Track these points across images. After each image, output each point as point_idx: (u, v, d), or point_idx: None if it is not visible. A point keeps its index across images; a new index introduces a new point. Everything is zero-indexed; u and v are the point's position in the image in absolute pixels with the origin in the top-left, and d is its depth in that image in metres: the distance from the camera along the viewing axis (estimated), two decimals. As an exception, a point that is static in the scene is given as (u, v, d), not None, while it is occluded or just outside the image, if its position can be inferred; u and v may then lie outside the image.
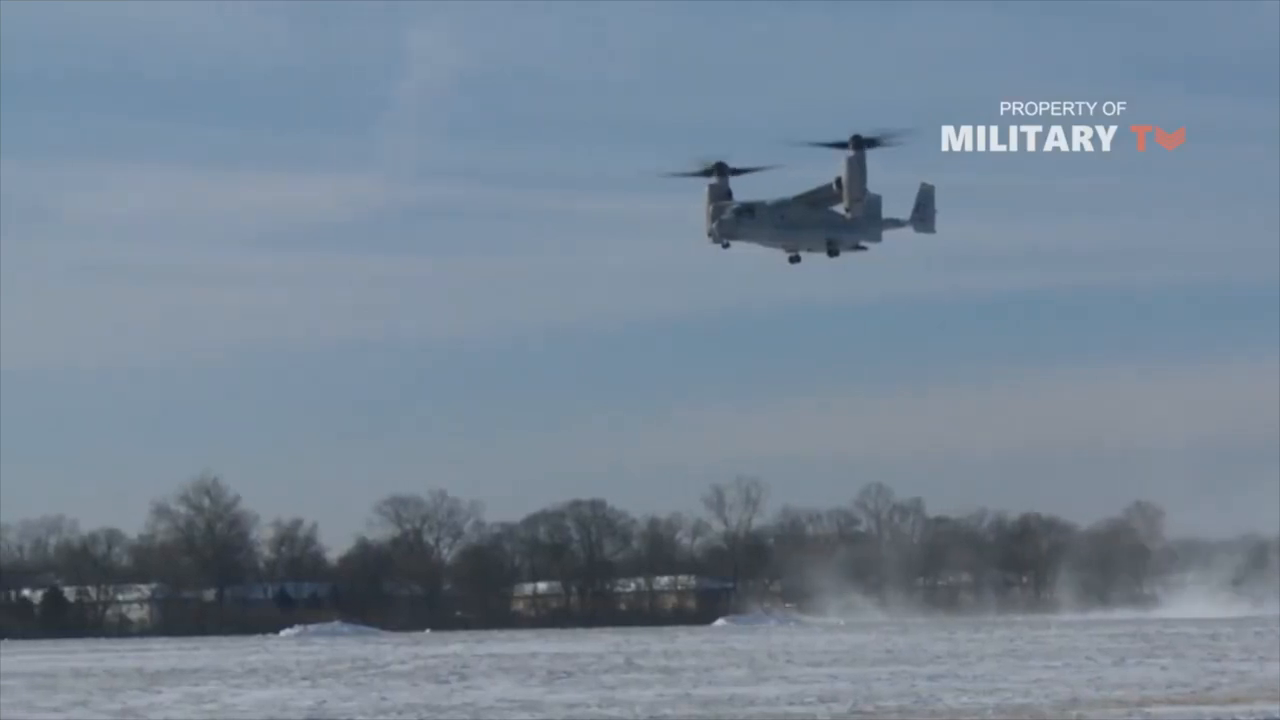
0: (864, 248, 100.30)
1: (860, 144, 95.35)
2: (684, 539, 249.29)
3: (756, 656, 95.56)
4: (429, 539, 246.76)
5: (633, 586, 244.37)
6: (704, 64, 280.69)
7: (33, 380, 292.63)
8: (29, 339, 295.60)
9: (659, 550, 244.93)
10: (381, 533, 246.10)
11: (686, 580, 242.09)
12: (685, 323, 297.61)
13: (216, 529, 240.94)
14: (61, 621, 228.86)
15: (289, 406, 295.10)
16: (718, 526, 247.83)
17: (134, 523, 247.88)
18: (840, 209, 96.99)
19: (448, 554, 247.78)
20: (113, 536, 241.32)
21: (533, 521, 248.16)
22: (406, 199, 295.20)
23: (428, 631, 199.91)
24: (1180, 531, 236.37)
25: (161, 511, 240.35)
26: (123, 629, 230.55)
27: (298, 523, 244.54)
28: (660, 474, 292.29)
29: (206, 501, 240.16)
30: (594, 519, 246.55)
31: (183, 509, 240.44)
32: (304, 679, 79.81)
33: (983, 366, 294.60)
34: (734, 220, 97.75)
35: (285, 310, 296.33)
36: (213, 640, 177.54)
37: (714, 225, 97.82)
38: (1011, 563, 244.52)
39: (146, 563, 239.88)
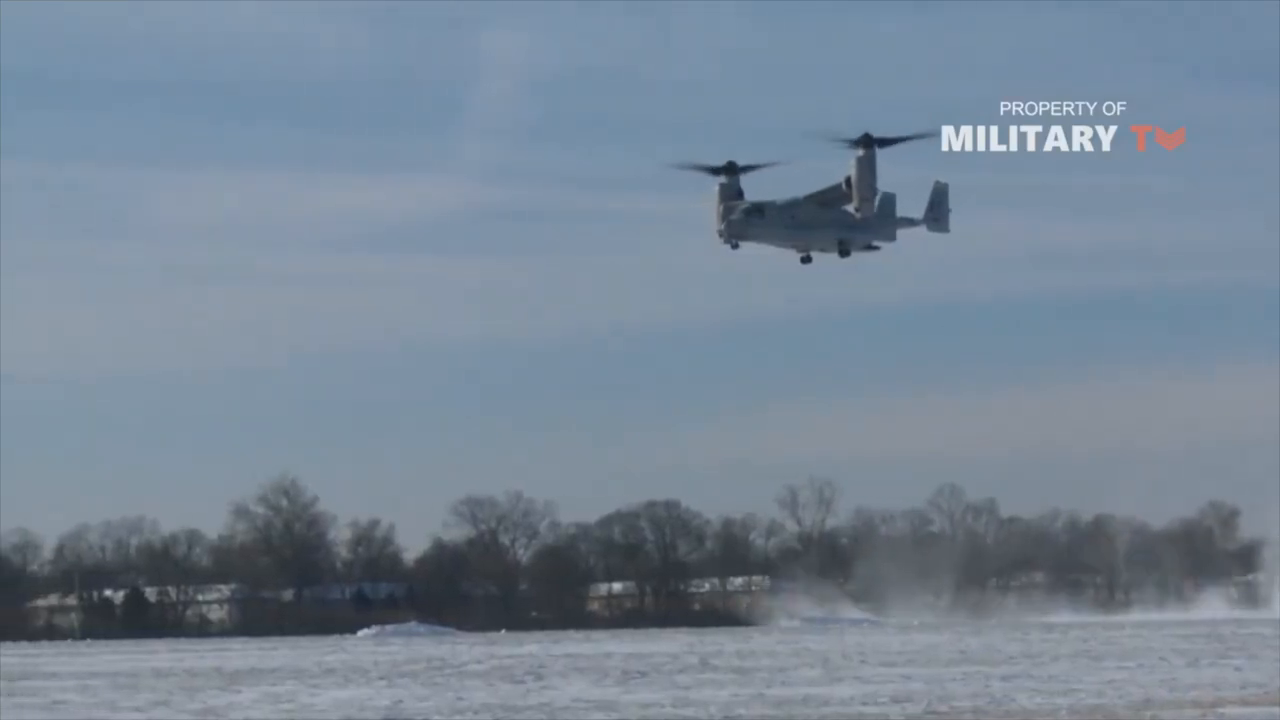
0: (876, 247, 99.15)
1: (871, 143, 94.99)
2: (758, 539, 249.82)
3: (830, 657, 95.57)
4: (504, 539, 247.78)
5: (707, 587, 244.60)
6: (775, 65, 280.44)
7: (115, 383, 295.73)
8: (112, 343, 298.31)
9: (733, 550, 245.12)
10: (457, 533, 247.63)
11: (760, 580, 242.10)
12: (759, 323, 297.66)
13: (295, 529, 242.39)
14: (143, 621, 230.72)
15: (367, 407, 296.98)
16: (791, 527, 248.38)
17: (214, 523, 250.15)
18: (851, 208, 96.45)
19: (523, 554, 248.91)
20: (193, 537, 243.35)
21: (607, 522, 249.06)
22: (481, 201, 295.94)
23: (503, 632, 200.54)
24: (1255, 531, 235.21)
25: (240, 512, 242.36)
26: (202, 629, 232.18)
27: (375, 523, 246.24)
28: (734, 474, 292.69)
29: (285, 502, 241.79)
30: (668, 519, 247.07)
31: (261, 509, 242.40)
32: (381, 679, 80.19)
33: (1055, 366, 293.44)
34: (743, 220, 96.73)
35: (363, 312, 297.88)
36: (291, 640, 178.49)
37: (723, 225, 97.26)
38: (1084, 563, 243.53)
39: (226, 563, 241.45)
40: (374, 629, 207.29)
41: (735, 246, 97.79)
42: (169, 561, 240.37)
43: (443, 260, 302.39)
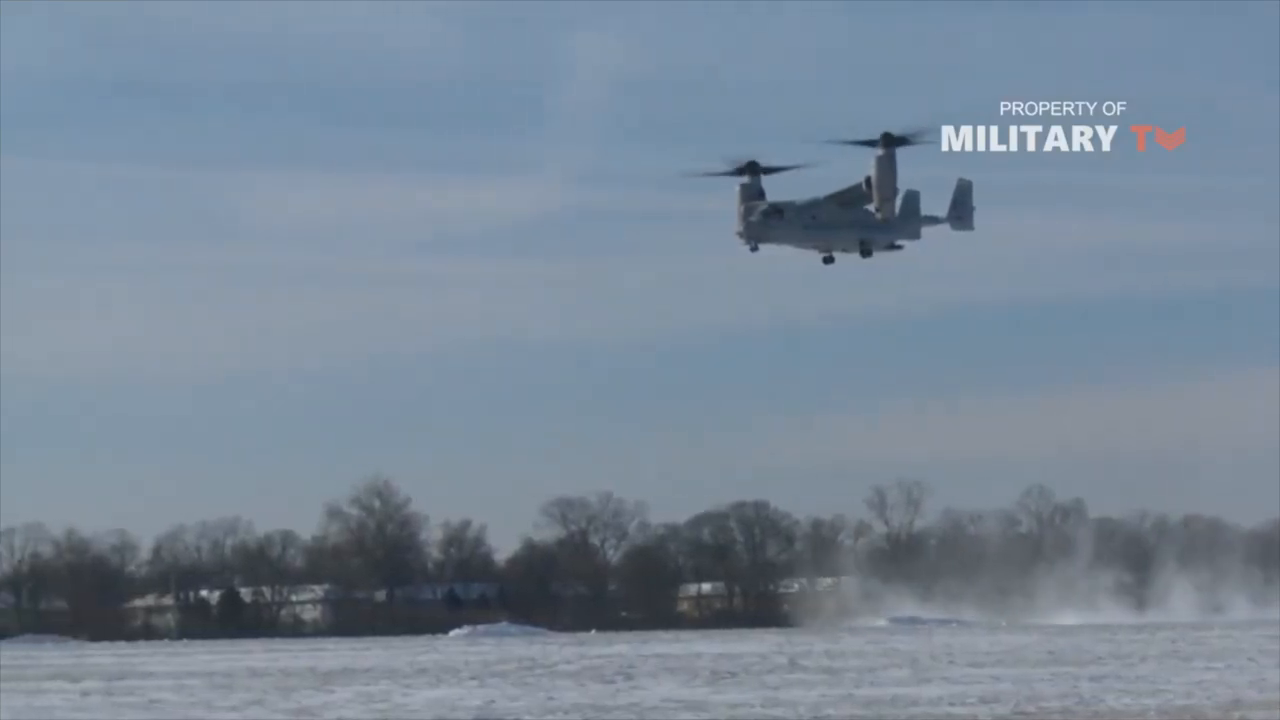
0: (899, 247, 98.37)
1: (890, 142, 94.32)
2: (846, 540, 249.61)
3: (919, 657, 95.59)
4: (595, 540, 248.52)
5: (796, 587, 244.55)
6: (866, 65, 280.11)
7: (211, 386, 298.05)
8: (208, 345, 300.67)
9: (822, 551, 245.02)
10: (548, 534, 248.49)
11: (849, 581, 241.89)
12: (850, 324, 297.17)
13: (387, 530, 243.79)
14: (238, 621, 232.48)
15: (458, 409, 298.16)
16: (880, 528, 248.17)
17: (308, 524, 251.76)
18: (871, 208, 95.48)
19: (613, 555, 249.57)
20: (287, 538, 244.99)
21: (697, 523, 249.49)
22: (571, 202, 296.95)
23: (593, 632, 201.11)
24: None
25: (334, 513, 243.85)
26: (296, 629, 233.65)
27: (466, 524, 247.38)
28: (823, 475, 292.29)
29: (377, 503, 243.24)
30: (757, 520, 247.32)
31: (355, 511, 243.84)
32: (472, 679, 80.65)
33: (1145, 365, 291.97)
34: (762, 222, 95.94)
35: (456, 313, 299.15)
36: (383, 640, 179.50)
37: (742, 227, 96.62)
38: (1174, 563, 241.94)
39: (319, 564, 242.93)
40: (465, 629, 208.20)
41: (755, 249, 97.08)
42: (264, 562, 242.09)
43: (536, 261, 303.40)
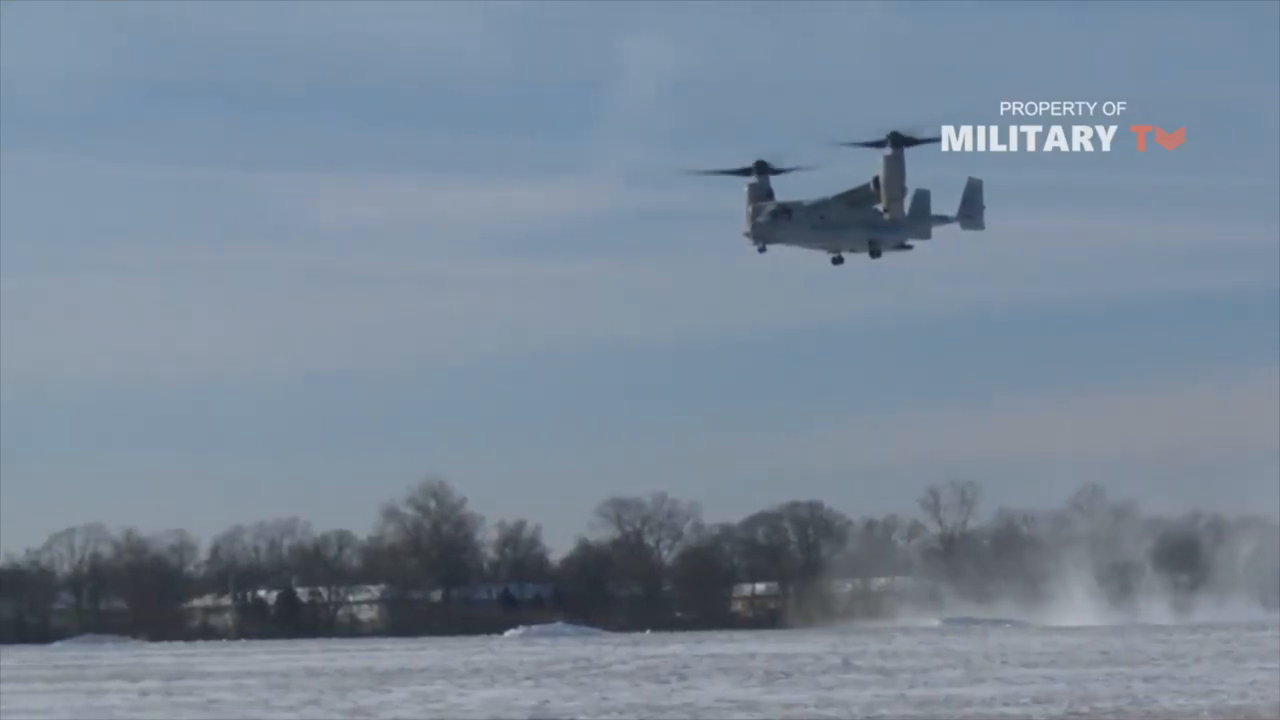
0: (909, 247, 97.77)
1: (899, 142, 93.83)
2: (900, 540, 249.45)
3: (972, 657, 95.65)
4: (649, 540, 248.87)
5: (849, 587, 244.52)
6: (920, 64, 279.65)
7: (268, 386, 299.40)
8: (263, 347, 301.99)
9: (875, 551, 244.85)
10: (603, 534, 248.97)
11: (903, 581, 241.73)
12: (902, 323, 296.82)
13: (443, 530, 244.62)
14: (295, 621, 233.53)
15: (513, 410, 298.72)
16: (933, 528, 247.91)
17: (364, 524, 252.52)
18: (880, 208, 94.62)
19: (667, 555, 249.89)
20: (344, 538, 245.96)
21: (751, 523, 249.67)
22: (623, 204, 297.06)
23: (647, 632, 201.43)
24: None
25: (390, 514, 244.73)
26: (353, 629, 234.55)
27: (521, 524, 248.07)
28: (876, 476, 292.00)
29: (433, 504, 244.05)
30: (811, 520, 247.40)
31: (410, 511, 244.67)
32: (527, 679, 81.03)
33: (1197, 365, 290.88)
34: (769, 223, 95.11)
35: (509, 314, 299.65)
36: (439, 640, 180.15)
37: (749, 228, 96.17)
38: (1227, 564, 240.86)
39: (375, 564, 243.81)
40: (520, 629, 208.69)
41: (762, 250, 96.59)
42: (320, 562, 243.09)
43: (589, 261, 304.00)
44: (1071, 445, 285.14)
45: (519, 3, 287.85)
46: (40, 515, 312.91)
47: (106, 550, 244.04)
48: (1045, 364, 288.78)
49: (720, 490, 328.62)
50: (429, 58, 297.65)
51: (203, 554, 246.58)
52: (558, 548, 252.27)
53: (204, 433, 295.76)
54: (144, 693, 76.83)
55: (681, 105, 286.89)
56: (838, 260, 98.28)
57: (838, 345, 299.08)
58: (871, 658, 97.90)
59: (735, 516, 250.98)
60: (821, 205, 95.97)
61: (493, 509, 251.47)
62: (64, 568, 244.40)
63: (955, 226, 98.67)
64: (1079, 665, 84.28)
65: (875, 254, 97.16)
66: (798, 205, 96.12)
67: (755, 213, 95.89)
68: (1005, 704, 57.84)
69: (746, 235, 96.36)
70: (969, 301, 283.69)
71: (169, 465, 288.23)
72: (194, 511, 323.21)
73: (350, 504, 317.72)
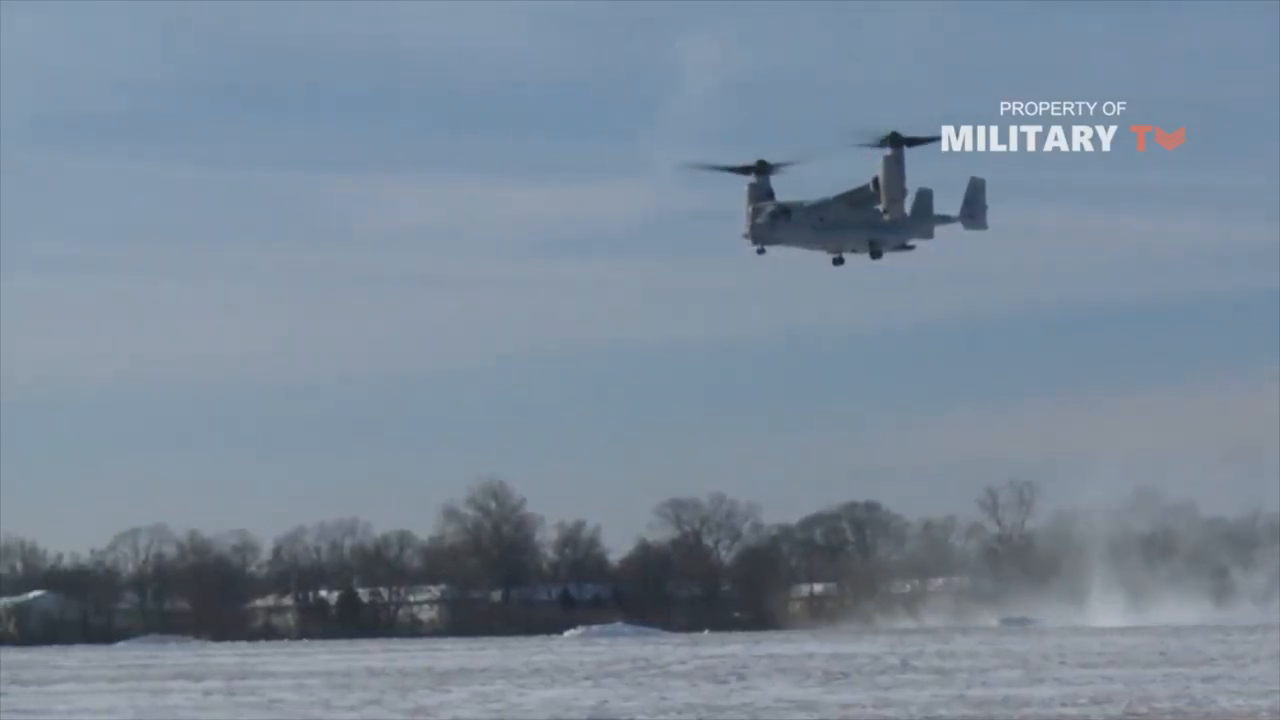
0: (911, 247, 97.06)
1: (899, 142, 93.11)
2: (958, 540, 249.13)
3: (1030, 658, 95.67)
4: (708, 541, 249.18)
5: (907, 588, 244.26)
6: (976, 65, 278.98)
7: (328, 388, 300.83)
8: (323, 348, 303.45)
9: (933, 551, 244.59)
10: (662, 534, 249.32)
11: (960, 581, 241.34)
12: (960, 324, 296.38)
13: (503, 531, 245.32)
14: (356, 622, 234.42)
15: (572, 410, 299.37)
16: (991, 528, 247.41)
17: (424, 525, 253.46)
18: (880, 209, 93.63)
19: (726, 555, 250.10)
20: (404, 539, 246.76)
21: (809, 523, 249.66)
22: (679, 203, 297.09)
23: (706, 632, 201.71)
24: None
25: (450, 514, 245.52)
26: (414, 629, 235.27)
27: (581, 525, 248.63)
28: (934, 475, 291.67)
29: (493, 504, 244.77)
30: (869, 520, 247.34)
31: (471, 511, 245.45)
32: (586, 679, 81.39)
33: (1254, 363, 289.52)
34: (768, 224, 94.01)
35: (568, 315, 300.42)
36: (499, 640, 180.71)
37: (748, 229, 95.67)
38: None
39: (436, 564, 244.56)
40: (580, 629, 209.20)
41: (761, 251, 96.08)
42: (381, 563, 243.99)
43: (647, 262, 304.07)
44: (1130, 444, 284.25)
45: (573, 3, 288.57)
46: (105, 516, 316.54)
47: (170, 551, 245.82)
48: (1105, 364, 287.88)
49: (779, 491, 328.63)
50: (481, 59, 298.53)
51: (265, 554, 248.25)
52: (617, 548, 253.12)
53: (266, 434, 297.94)
54: (207, 692, 77.47)
55: (737, 105, 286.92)
56: (838, 261, 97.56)
57: (897, 345, 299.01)
58: (929, 658, 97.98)
59: (793, 517, 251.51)
60: (821, 206, 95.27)
61: (552, 509, 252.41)
62: (128, 568, 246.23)
63: (957, 226, 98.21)
64: (1137, 665, 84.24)
65: (876, 255, 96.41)
66: (797, 206, 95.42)
67: (754, 214, 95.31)
68: (1063, 704, 57.95)
69: (745, 237, 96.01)
70: (1028, 301, 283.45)
71: (232, 466, 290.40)
72: (257, 512, 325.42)
73: (411, 504, 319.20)
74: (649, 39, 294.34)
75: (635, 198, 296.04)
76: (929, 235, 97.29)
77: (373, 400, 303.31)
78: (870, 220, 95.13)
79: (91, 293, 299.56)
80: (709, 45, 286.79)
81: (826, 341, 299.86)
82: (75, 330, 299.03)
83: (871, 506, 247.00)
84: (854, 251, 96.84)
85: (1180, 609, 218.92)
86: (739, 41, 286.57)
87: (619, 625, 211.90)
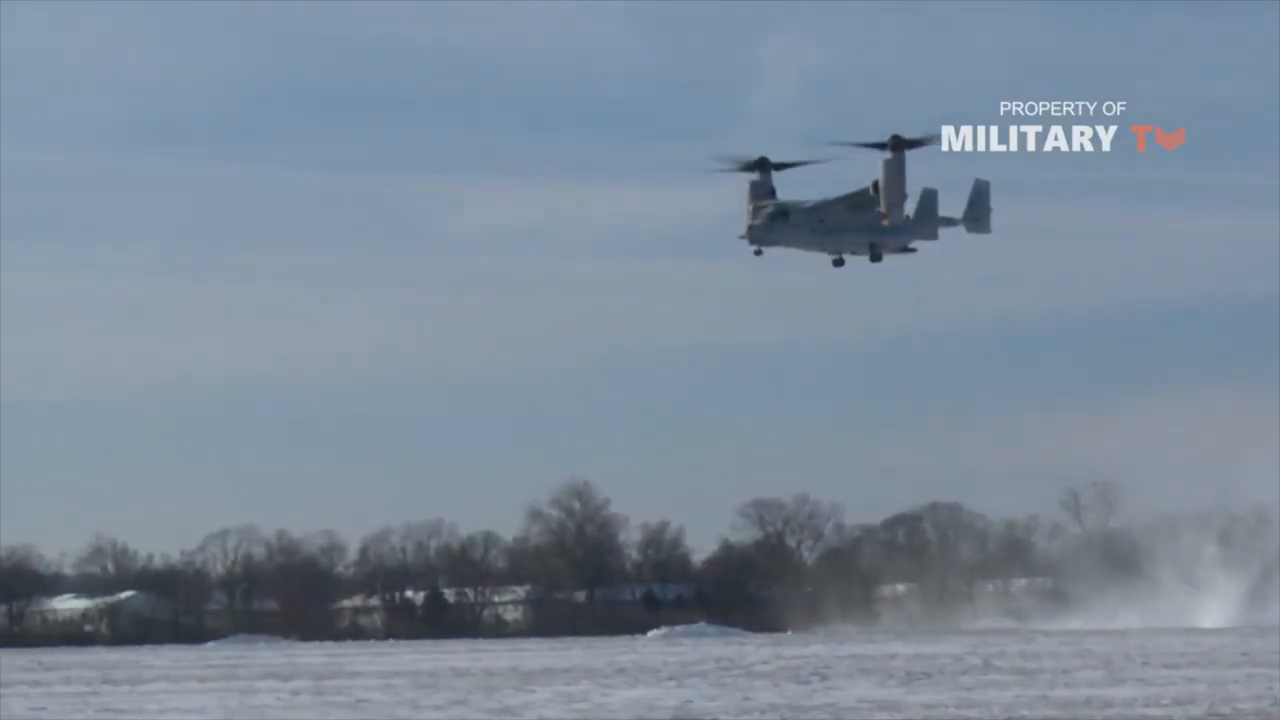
0: (912, 249, 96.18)
1: (900, 145, 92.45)
2: (1041, 541, 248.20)
3: (1113, 658, 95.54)
4: (791, 541, 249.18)
5: (990, 588, 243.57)
6: (1053, 65, 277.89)
7: (415, 389, 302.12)
8: (408, 350, 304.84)
9: (1016, 552, 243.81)
10: (745, 535, 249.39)
11: (1044, 582, 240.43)
12: (1043, 324, 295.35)
13: (587, 531, 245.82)
14: (442, 622, 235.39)
15: (656, 411, 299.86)
16: (1074, 528, 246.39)
17: (509, 525, 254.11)
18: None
19: (809, 556, 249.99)
20: (489, 539, 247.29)
21: (891, 524, 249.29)
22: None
23: (789, 633, 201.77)
24: None
25: (535, 514, 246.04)
26: (498, 629, 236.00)
27: (664, 525, 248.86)
28: (1017, 476, 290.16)
29: (577, 505, 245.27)
30: (951, 521, 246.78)
31: (555, 512, 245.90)
32: (670, 679, 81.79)
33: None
34: (767, 225, 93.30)
35: (650, 316, 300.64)
36: (583, 641, 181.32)
37: (746, 230, 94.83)
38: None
39: (520, 565, 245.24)
40: (663, 630, 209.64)
41: (759, 252, 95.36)
42: (466, 563, 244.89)
43: (730, 264, 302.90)
44: (1212, 444, 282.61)
45: (660, 3, 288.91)
46: (194, 517, 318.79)
47: (259, 551, 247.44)
48: (1189, 365, 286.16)
49: (861, 491, 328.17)
50: (568, 61, 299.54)
51: (351, 555, 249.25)
52: (700, 548, 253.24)
53: (353, 435, 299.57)
54: (295, 692, 78.30)
55: (821, 105, 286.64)
56: (838, 262, 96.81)
57: (978, 346, 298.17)
58: (1012, 658, 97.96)
59: (876, 518, 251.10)
60: (821, 207, 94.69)
61: (636, 510, 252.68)
62: (217, 569, 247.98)
63: (960, 229, 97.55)
64: (1220, 666, 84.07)
65: (876, 258, 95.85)
66: (797, 207, 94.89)
67: (753, 214, 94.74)
68: (1146, 705, 58.05)
69: (743, 238, 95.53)
70: (1112, 302, 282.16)
71: (320, 467, 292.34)
72: (343, 513, 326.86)
73: (495, 505, 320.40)
74: (733, 39, 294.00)
75: (718, 198, 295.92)
76: (933, 237, 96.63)
77: (459, 401, 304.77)
78: (870, 223, 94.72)
79: (184, 296, 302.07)
80: (792, 45, 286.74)
81: (909, 341, 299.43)
82: (171, 333, 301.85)
83: (954, 507, 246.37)
84: (853, 253, 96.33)
85: (1264, 609, 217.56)
86: (822, 40, 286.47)
87: (702, 625, 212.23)
